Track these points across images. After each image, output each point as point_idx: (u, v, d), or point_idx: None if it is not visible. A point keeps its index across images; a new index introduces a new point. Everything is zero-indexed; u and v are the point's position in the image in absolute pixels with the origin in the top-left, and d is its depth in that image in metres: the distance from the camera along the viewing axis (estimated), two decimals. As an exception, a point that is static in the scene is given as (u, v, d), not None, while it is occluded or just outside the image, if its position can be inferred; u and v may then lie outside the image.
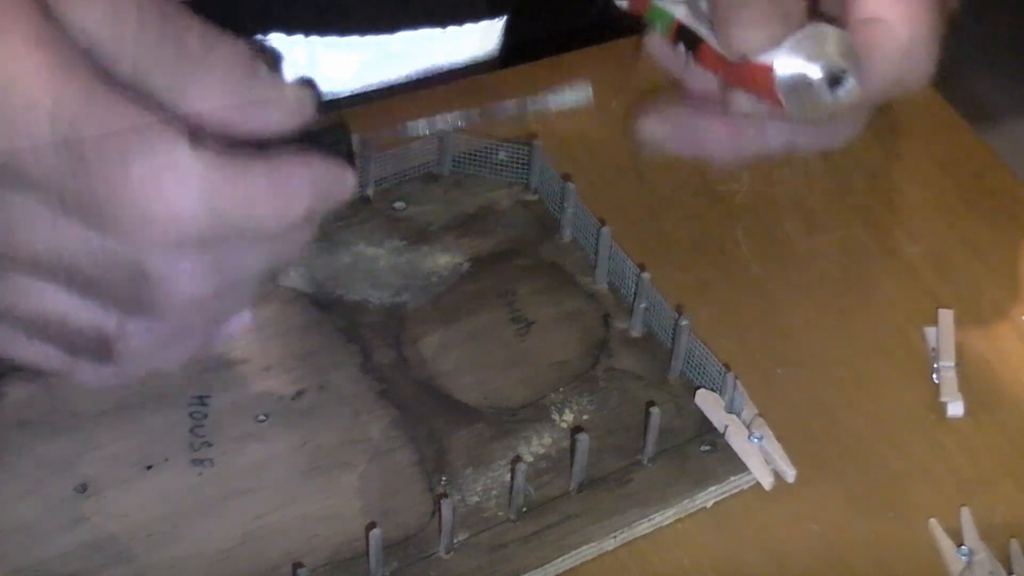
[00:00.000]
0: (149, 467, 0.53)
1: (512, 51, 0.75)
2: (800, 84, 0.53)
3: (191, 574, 0.50)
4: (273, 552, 0.51)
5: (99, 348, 0.47)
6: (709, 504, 0.54)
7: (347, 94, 0.72)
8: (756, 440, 0.55)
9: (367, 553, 0.50)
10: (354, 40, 0.72)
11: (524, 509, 0.53)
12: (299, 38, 0.72)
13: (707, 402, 0.56)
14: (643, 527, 0.53)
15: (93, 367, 0.48)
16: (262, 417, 0.55)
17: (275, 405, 0.55)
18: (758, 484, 0.55)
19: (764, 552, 0.54)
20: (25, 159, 0.42)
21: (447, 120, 0.53)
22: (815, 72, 0.52)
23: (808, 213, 0.66)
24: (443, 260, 0.61)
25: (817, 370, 0.60)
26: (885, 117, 0.71)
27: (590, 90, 0.52)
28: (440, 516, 0.51)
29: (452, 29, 0.72)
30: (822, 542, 0.54)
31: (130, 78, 0.43)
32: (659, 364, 0.58)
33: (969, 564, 0.53)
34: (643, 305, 0.58)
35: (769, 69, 0.52)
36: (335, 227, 0.62)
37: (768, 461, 0.55)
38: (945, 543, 0.54)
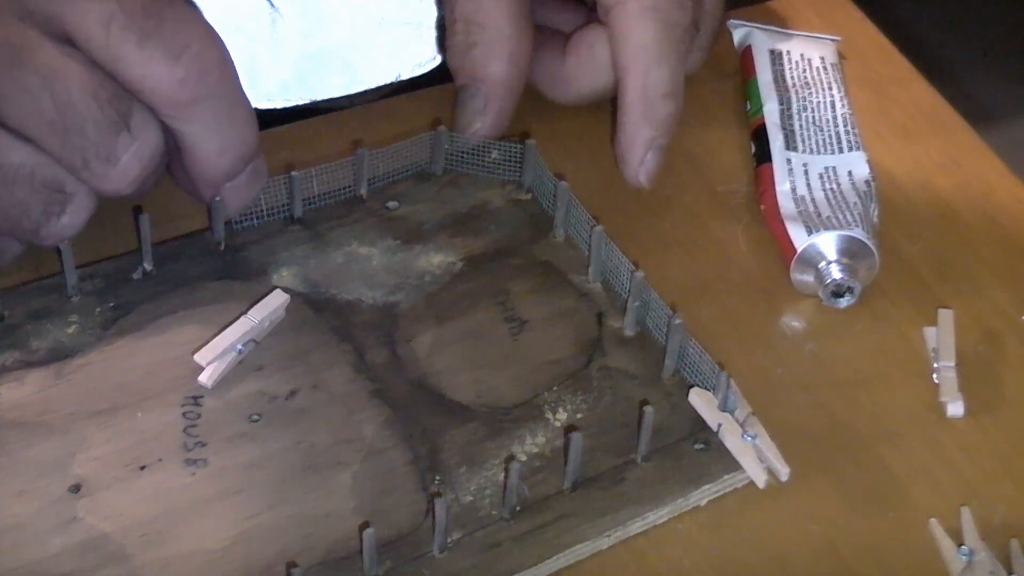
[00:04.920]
0: (143, 467, 0.53)
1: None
2: (808, 285, 0.62)
3: (185, 574, 0.50)
4: (267, 552, 0.51)
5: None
6: (703, 502, 0.54)
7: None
8: (749, 438, 0.55)
9: (361, 552, 0.50)
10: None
11: (518, 508, 0.52)
12: None
13: (701, 400, 0.56)
14: (637, 526, 0.53)
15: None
16: (255, 417, 0.55)
17: (268, 405, 0.55)
18: (753, 483, 0.55)
19: (764, 552, 0.53)
20: None
21: None
22: (824, 288, 0.61)
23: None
24: (436, 259, 0.61)
25: (817, 369, 0.60)
26: (884, 117, 0.71)
27: None
28: (434, 515, 0.50)
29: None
30: (822, 542, 0.54)
31: None
32: (653, 363, 0.58)
33: (969, 564, 0.53)
34: (636, 304, 0.58)
35: (793, 251, 0.62)
36: (328, 227, 0.62)
37: (762, 459, 0.54)
38: (945, 543, 0.54)
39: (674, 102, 0.63)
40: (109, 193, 0.55)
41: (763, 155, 0.66)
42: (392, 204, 0.63)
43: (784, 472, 0.54)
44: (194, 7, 0.55)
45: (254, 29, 0.73)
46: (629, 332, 0.59)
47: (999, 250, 0.65)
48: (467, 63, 0.64)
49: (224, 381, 0.55)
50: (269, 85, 0.74)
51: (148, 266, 0.59)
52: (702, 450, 0.55)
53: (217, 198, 0.58)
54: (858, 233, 0.61)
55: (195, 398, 0.55)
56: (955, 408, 0.58)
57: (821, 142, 0.66)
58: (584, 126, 0.69)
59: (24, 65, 0.52)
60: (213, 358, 0.55)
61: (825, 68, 0.70)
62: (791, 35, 0.72)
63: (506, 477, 0.52)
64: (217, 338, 0.56)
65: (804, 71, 0.70)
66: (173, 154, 0.57)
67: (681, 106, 0.64)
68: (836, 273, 0.61)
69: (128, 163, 0.54)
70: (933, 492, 0.56)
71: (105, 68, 0.53)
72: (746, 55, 0.72)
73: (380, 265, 0.61)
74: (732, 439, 0.55)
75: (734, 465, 0.54)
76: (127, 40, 0.52)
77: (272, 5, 0.72)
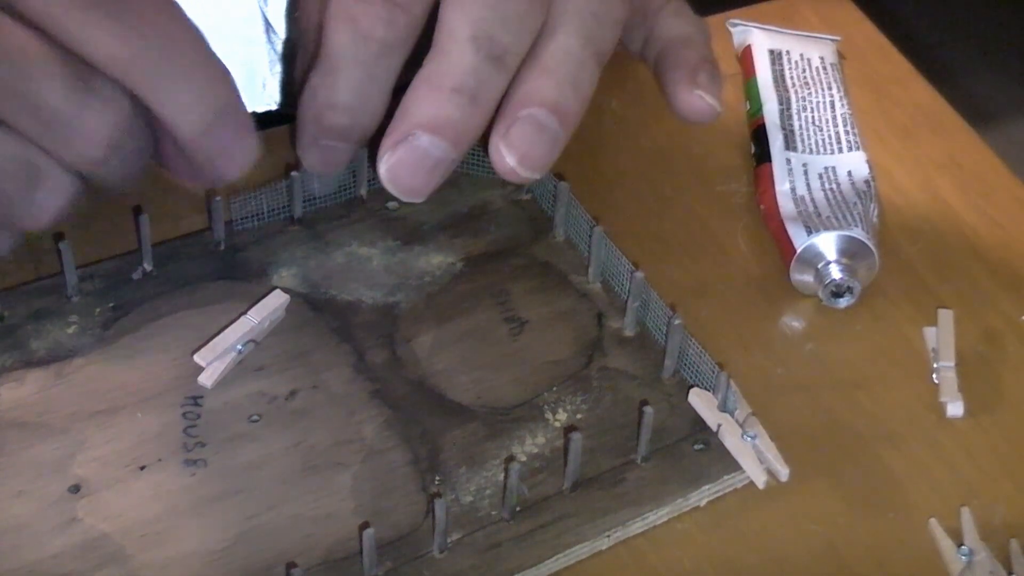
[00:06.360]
0: (142, 468, 0.53)
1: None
2: (808, 285, 0.62)
3: (184, 574, 0.50)
4: (267, 552, 0.51)
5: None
6: (703, 503, 0.54)
7: None
8: (749, 439, 0.55)
9: (361, 553, 0.50)
10: None
11: (518, 508, 0.52)
12: None
13: (701, 401, 0.56)
14: (637, 526, 0.53)
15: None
16: (255, 417, 0.55)
17: (268, 405, 0.55)
18: (753, 483, 0.55)
19: (764, 552, 0.53)
20: None
21: None
22: (824, 288, 0.61)
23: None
24: (436, 260, 0.61)
25: (817, 370, 0.60)
26: (884, 117, 0.71)
27: None
28: (434, 516, 0.50)
29: None
30: (822, 542, 0.54)
31: None
32: (653, 363, 0.58)
33: (969, 564, 0.53)
34: (636, 304, 0.58)
35: (793, 251, 0.62)
36: (328, 227, 0.62)
37: (761, 460, 0.54)
38: (945, 543, 0.54)
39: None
40: (82, 163, 0.51)
41: (763, 155, 0.66)
42: (392, 204, 0.63)
43: (784, 472, 0.54)
44: None
45: (251, 34, 0.73)
46: (629, 332, 0.59)
47: (999, 250, 0.65)
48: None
49: (224, 381, 0.55)
50: (269, 89, 0.74)
51: (148, 266, 0.59)
52: (702, 450, 0.55)
53: (218, 198, 0.58)
54: (858, 233, 0.61)
55: (195, 398, 0.55)
56: (955, 408, 0.58)
57: (821, 142, 0.66)
58: (584, 127, 0.68)
59: None
60: (213, 358, 0.55)
61: (825, 68, 0.70)
62: (791, 35, 0.72)
63: (506, 477, 0.52)
64: (217, 338, 0.56)
65: (804, 71, 0.70)
66: (160, 140, 0.56)
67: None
68: (836, 273, 0.61)
69: (94, 126, 0.50)
70: (933, 492, 0.56)
71: (58, 40, 0.51)
72: (746, 55, 0.72)
73: (380, 265, 0.61)
74: (732, 439, 0.55)
75: (734, 465, 0.54)
76: (73, 7, 0.49)
77: (268, 23, 0.72)
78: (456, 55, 0.52)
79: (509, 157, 0.53)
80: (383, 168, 0.53)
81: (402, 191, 0.53)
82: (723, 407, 0.55)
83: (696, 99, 0.60)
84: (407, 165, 0.52)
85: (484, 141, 0.54)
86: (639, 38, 0.64)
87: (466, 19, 0.52)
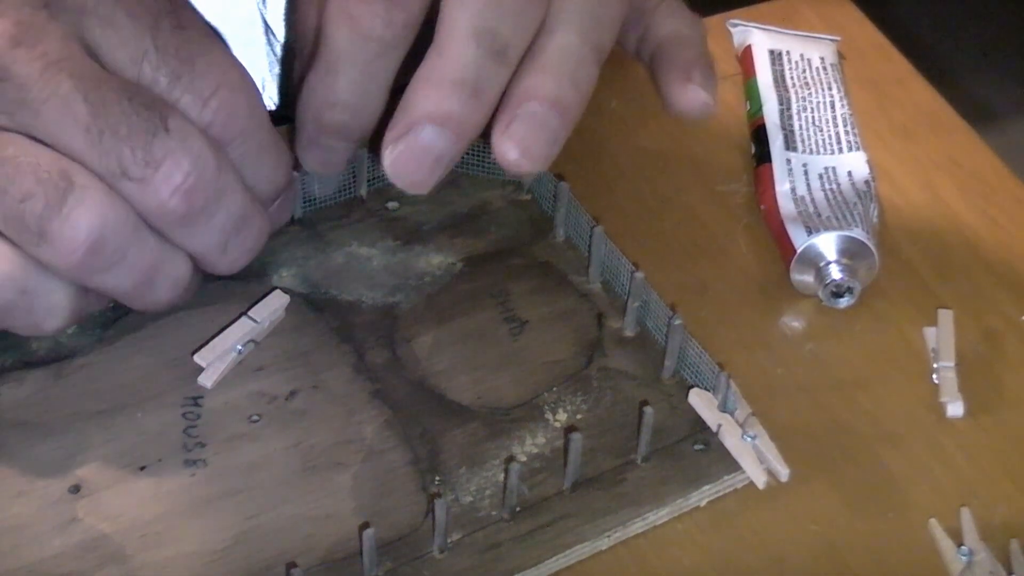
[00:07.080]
0: (142, 468, 0.53)
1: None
2: (808, 285, 0.62)
3: (184, 575, 0.50)
4: (267, 552, 0.51)
5: None
6: (703, 503, 0.54)
7: None
8: (749, 439, 0.55)
9: (361, 553, 0.50)
10: None
11: (518, 508, 0.52)
12: None
13: (701, 401, 0.56)
14: (637, 526, 0.53)
15: None
16: (255, 417, 0.55)
17: (268, 405, 0.55)
18: (753, 483, 0.55)
19: (764, 552, 0.53)
20: None
21: None
22: (824, 288, 0.61)
23: (807, 213, 0.66)
24: (436, 260, 0.61)
25: (817, 370, 0.60)
26: (884, 117, 0.71)
27: None
28: (434, 516, 0.50)
29: None
30: (822, 542, 0.54)
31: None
32: (653, 363, 0.58)
33: (969, 564, 0.53)
34: (636, 304, 0.58)
35: (793, 251, 0.62)
36: (328, 227, 0.62)
37: (761, 460, 0.54)
38: (945, 543, 0.54)
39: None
40: (156, 207, 0.51)
41: (763, 155, 0.66)
42: (392, 204, 0.63)
43: (784, 473, 0.54)
44: (226, 49, 0.54)
45: (251, 36, 0.73)
46: (629, 333, 0.59)
47: (999, 250, 0.65)
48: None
49: (224, 382, 0.55)
50: (268, 91, 0.74)
51: (148, 266, 0.59)
52: (702, 451, 0.55)
53: None
54: (858, 233, 0.61)
55: (195, 399, 0.55)
56: (955, 408, 0.58)
57: (821, 142, 0.66)
58: (584, 127, 0.68)
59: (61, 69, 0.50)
60: (213, 358, 0.55)
61: (825, 68, 0.70)
62: (791, 35, 0.72)
63: (506, 478, 0.52)
64: (217, 338, 0.56)
65: (804, 71, 0.70)
66: None
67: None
68: (836, 273, 0.61)
69: (170, 168, 0.50)
70: (933, 492, 0.56)
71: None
72: (746, 55, 0.72)
73: (380, 265, 0.61)
74: (732, 440, 0.55)
75: (734, 466, 0.54)
76: (157, 80, 0.51)
77: (267, 25, 0.72)
78: (458, 49, 0.52)
79: (511, 152, 0.53)
80: (387, 161, 0.53)
81: (406, 184, 0.53)
82: (723, 407, 0.55)
83: (691, 97, 0.60)
84: (411, 158, 0.53)
85: (485, 139, 0.54)
86: (634, 37, 0.64)
87: (467, 14, 0.52)
